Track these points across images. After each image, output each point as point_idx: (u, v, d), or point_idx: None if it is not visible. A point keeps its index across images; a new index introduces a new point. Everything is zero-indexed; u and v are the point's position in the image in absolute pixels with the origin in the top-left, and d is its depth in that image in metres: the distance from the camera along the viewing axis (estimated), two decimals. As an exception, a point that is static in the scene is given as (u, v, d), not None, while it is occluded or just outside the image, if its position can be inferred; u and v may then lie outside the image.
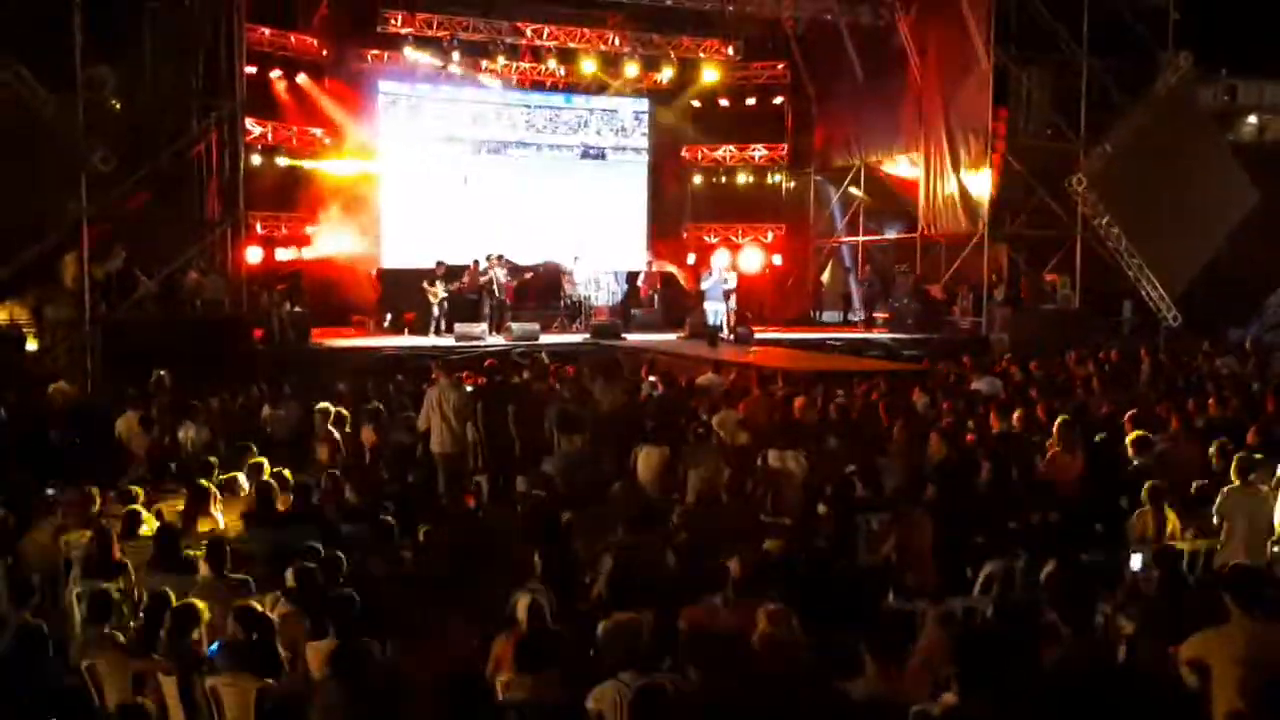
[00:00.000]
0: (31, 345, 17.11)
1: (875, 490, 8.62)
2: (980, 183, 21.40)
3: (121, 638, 6.22)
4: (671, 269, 25.13)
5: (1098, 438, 9.74)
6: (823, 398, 12.42)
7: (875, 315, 24.39)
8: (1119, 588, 6.51)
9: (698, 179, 27.01)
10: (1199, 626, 5.21)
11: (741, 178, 27.03)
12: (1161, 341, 19.28)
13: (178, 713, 5.74)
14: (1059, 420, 9.55)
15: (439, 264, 20.93)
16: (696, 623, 5.71)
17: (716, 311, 20.64)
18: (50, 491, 9.05)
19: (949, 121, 22.12)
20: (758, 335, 20.45)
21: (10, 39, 15.03)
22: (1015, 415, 10.43)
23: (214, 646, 6.14)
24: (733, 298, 21.22)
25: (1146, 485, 7.91)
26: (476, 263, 21.20)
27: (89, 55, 16.04)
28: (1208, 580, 6.23)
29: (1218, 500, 7.68)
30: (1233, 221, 20.69)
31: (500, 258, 21.26)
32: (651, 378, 14.18)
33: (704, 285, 20.87)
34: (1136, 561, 6.88)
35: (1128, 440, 9.51)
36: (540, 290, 22.99)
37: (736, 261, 24.51)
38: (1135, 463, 9.08)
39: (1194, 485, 8.32)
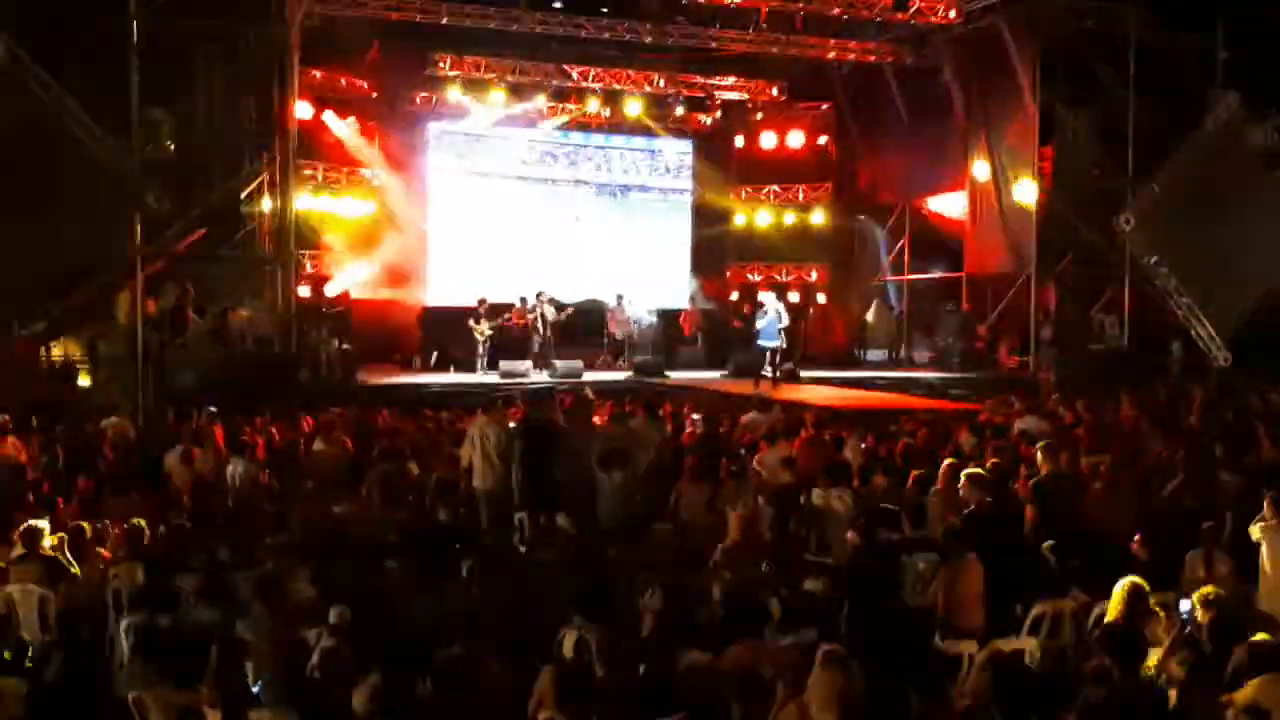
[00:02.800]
0: (84, 381, 17.41)
1: (920, 531, 8.52)
2: (1026, 222, 21.30)
3: (168, 670, 6.27)
4: (712, 306, 25.18)
5: (1168, 485, 9.58)
6: (869, 437, 12.34)
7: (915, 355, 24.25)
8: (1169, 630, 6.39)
9: (741, 218, 27.07)
10: (1252, 673, 5.11)
11: (786, 217, 27.03)
12: (1213, 382, 18.99)
13: (223, 746, 5.76)
14: (1109, 461, 9.42)
15: (481, 301, 21.09)
16: (741, 662, 5.67)
17: (771, 350, 20.34)
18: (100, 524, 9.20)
19: (995, 161, 22.09)
20: (802, 374, 20.37)
21: (69, 82, 15.43)
22: (1063, 456, 10.29)
23: (260, 682, 6.17)
24: (783, 336, 21.06)
25: (1202, 527, 7.78)
26: (524, 300, 21.34)
27: (145, 98, 16.44)
28: (1255, 623, 6.10)
29: (1255, 537, 7.56)
30: (1283, 263, 20.40)
31: (544, 295, 21.39)
32: (695, 415, 14.16)
33: (760, 324, 20.37)
34: (1186, 605, 6.75)
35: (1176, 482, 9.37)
36: (584, 328, 23.07)
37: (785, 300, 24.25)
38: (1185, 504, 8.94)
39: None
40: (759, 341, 19.87)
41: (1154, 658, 5.77)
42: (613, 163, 25.68)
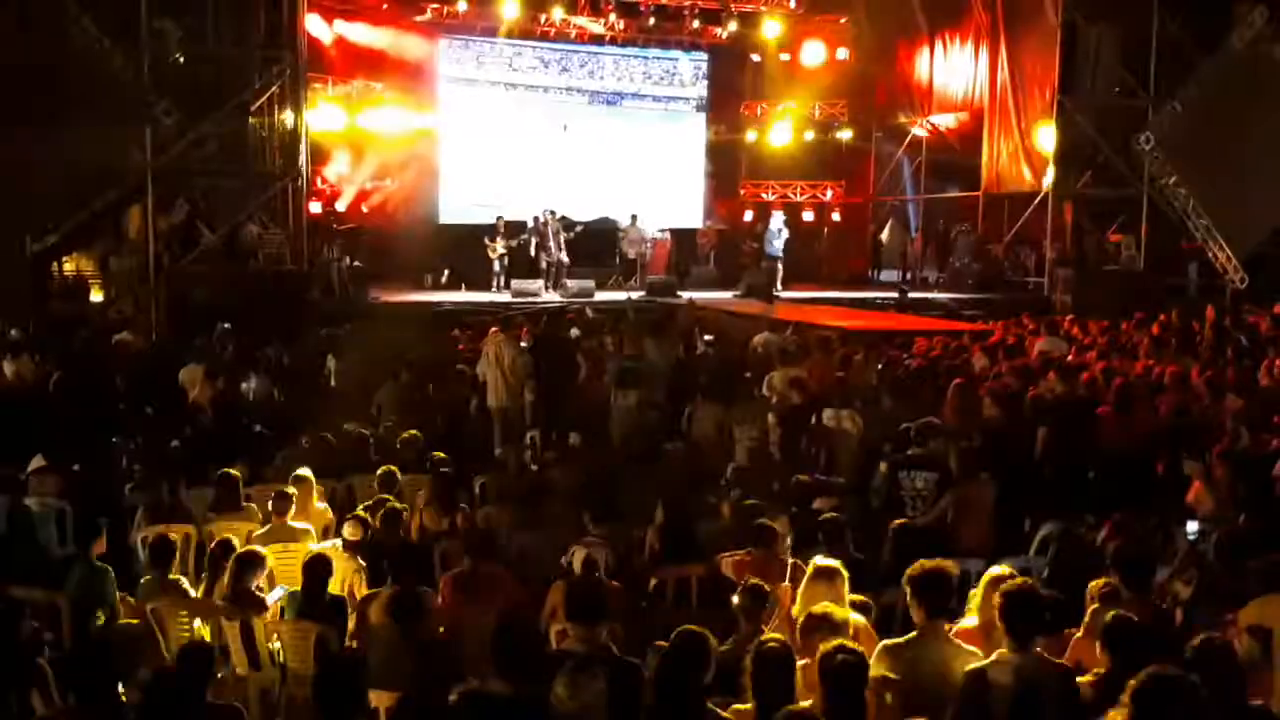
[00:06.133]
0: (97, 296, 17.46)
1: (925, 449, 8.52)
2: (1045, 140, 21.05)
3: (185, 582, 6.37)
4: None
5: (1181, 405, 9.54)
6: (881, 357, 12.33)
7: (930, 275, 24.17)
8: (1177, 553, 6.42)
9: (756, 135, 26.76)
10: (1258, 593, 5.14)
11: (801, 134, 26.70)
12: (1227, 304, 18.88)
13: (240, 657, 5.88)
14: (1119, 383, 9.40)
15: (499, 219, 20.99)
16: (746, 575, 5.73)
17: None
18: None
19: (1014, 77, 21.76)
20: (815, 295, 20.34)
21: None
22: (1077, 377, 10.28)
23: (276, 593, 6.27)
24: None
25: (1216, 449, 7.76)
26: (537, 218, 21.23)
27: (154, 8, 16.22)
28: (1266, 545, 6.11)
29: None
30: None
31: (555, 214, 21.27)
32: (707, 336, 14.16)
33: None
34: (1193, 527, 6.78)
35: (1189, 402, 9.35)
36: (596, 247, 22.97)
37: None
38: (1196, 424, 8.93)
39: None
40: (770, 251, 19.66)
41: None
42: (627, 76, 25.34)
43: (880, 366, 11.97)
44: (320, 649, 5.57)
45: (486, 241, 20.75)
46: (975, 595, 5.19)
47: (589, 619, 4.77)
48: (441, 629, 5.80)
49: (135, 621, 5.83)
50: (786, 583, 5.72)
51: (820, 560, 5.39)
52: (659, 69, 25.56)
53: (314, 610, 5.89)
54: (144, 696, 4.20)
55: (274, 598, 6.24)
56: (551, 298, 19.71)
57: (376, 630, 5.67)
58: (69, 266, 18.21)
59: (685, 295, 20.33)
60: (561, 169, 23.68)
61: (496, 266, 20.75)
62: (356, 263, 19.82)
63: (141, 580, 6.44)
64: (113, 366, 12.27)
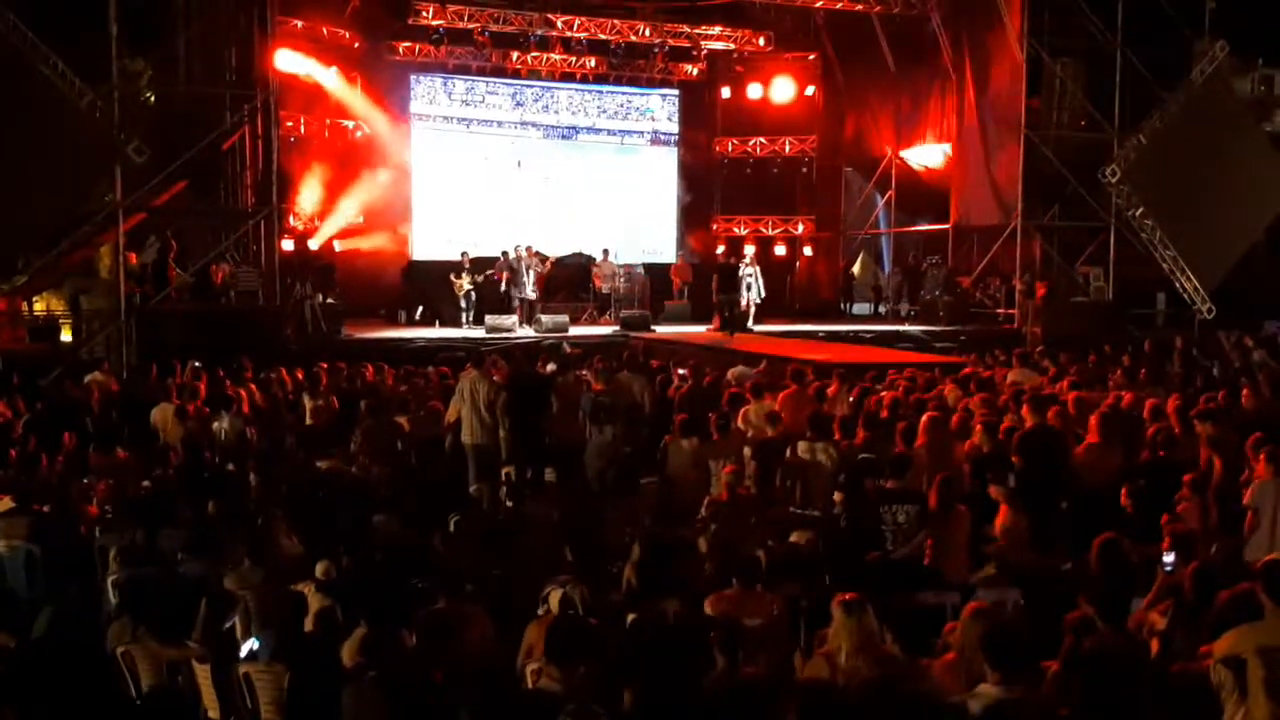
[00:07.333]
0: (67, 336, 17.32)
1: (903, 482, 8.54)
2: (1013, 174, 21.27)
3: (156, 625, 6.28)
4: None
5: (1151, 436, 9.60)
6: (854, 390, 12.35)
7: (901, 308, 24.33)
8: (1153, 583, 6.44)
9: (728, 170, 26.93)
10: (1232, 623, 5.16)
11: (771, 169, 26.90)
12: (1195, 334, 19.08)
13: (211, 699, 5.79)
14: (1097, 413, 9.44)
15: (464, 255, 21.00)
16: (724, 611, 5.72)
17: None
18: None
19: (981, 112, 22.01)
20: (787, 328, 20.41)
21: (47, 33, 15.19)
22: (1049, 408, 10.32)
23: (253, 641, 6.18)
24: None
25: (1187, 478, 7.82)
26: (506, 254, 21.23)
27: (124, 48, 16.21)
28: (1241, 575, 6.15)
29: (1249, 493, 7.59)
30: (1270, 213, 20.44)
31: (530, 249, 21.28)
32: (681, 371, 14.14)
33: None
34: (1169, 557, 6.80)
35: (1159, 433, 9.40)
36: (569, 282, 23.01)
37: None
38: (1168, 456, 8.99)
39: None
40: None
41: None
42: (597, 114, 25.45)
43: (853, 399, 11.99)
44: (293, 692, 5.50)
45: (452, 278, 20.75)
46: (956, 629, 5.19)
47: (570, 660, 4.73)
48: (416, 669, 5.73)
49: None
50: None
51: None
52: (626, 104, 25.65)
53: (287, 652, 5.82)
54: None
55: (249, 645, 6.16)
56: (525, 333, 19.69)
57: (350, 672, 5.60)
58: (39, 306, 18.07)
59: (658, 330, 20.37)
60: (533, 204, 23.75)
61: (463, 302, 20.73)
62: (329, 300, 19.76)
63: (111, 623, 6.36)
64: (83, 407, 12.16)
